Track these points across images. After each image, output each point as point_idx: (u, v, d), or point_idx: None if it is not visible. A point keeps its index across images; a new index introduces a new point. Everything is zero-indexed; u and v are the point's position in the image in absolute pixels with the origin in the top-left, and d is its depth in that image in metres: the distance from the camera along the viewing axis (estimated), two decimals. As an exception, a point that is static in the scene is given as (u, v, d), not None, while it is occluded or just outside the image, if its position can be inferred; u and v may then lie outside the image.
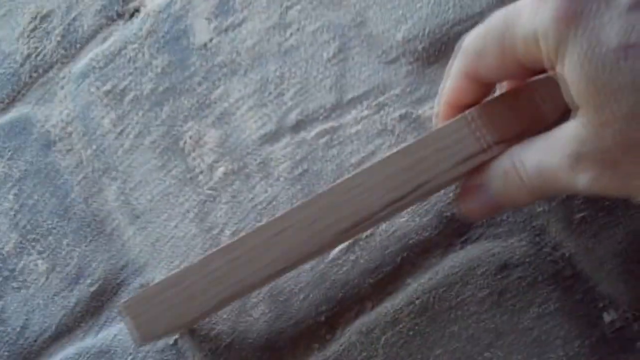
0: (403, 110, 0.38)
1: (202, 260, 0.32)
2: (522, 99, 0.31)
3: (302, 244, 0.31)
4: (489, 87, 0.33)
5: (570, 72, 0.25)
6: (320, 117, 0.39)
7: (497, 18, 0.29)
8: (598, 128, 0.25)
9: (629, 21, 0.23)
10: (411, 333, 0.36)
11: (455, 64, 0.32)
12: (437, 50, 0.38)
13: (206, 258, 0.32)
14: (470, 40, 0.30)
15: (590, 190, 0.27)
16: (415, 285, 0.37)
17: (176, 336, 0.38)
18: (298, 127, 0.40)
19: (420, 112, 0.38)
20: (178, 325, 0.32)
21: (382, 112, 0.39)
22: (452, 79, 0.32)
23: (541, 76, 0.30)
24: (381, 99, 0.39)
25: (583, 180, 0.27)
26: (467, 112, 0.31)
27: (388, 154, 0.31)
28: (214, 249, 0.32)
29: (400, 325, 0.37)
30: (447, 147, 0.31)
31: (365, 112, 0.39)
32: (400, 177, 0.31)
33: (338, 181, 0.32)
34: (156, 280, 0.38)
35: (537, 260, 0.36)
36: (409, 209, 0.37)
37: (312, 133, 0.39)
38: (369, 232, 0.38)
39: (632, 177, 0.26)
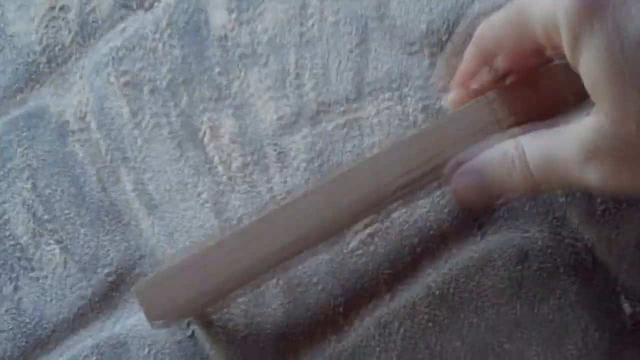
0: (425, 102, 0.40)
1: (218, 243, 0.33)
2: (543, 83, 0.32)
3: (318, 224, 0.32)
4: (504, 74, 0.33)
5: (589, 64, 0.25)
6: (341, 108, 0.41)
7: (514, 4, 0.29)
8: (619, 121, 0.25)
9: None
10: (429, 324, 0.38)
11: (472, 49, 0.33)
12: (460, 41, 0.40)
13: (221, 240, 0.33)
14: (488, 26, 0.31)
15: (601, 186, 0.27)
16: (434, 276, 0.38)
17: (193, 327, 0.40)
18: (318, 117, 0.41)
19: (442, 103, 0.40)
20: (192, 307, 0.33)
21: (403, 104, 0.40)
22: (467, 64, 0.33)
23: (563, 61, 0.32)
24: (403, 90, 0.40)
25: (596, 175, 0.27)
26: (487, 94, 0.33)
27: (407, 134, 0.33)
28: (229, 231, 0.34)
29: (419, 316, 0.38)
30: (466, 128, 0.32)
31: (387, 104, 0.40)
32: (418, 157, 0.32)
33: (355, 161, 0.33)
34: (171, 262, 0.40)
35: (557, 251, 0.38)
36: (427, 199, 0.39)
37: (332, 124, 0.41)
38: (387, 222, 0.39)
39: None
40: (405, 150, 0.33)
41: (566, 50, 0.27)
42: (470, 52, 0.33)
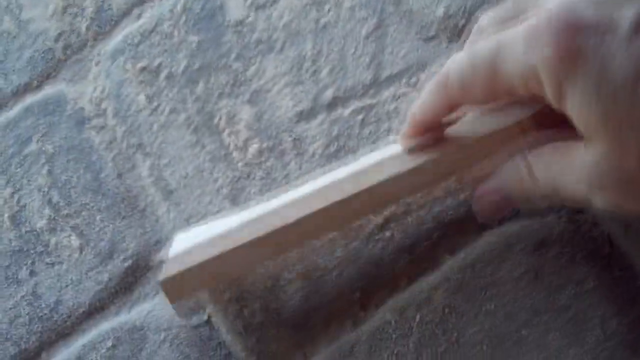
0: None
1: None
2: None
3: (325, 199, 0.34)
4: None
5: (578, 108, 0.25)
6: (357, 95, 0.41)
7: (483, 52, 0.29)
8: (620, 157, 0.25)
9: (635, 48, 0.23)
10: (446, 310, 0.38)
11: (436, 92, 0.32)
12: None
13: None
14: (455, 75, 0.30)
15: (609, 209, 0.28)
16: (451, 263, 0.38)
17: (209, 312, 0.40)
18: (334, 104, 0.41)
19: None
20: (205, 275, 0.34)
21: (419, 90, 0.40)
22: (429, 104, 0.33)
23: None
24: (419, 76, 0.40)
25: (601, 200, 0.27)
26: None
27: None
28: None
29: (436, 303, 0.38)
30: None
31: (403, 90, 0.40)
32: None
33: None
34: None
35: (575, 237, 0.37)
36: (444, 185, 0.39)
37: (348, 110, 0.41)
38: (404, 209, 0.39)
39: None
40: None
41: (551, 99, 0.27)
42: (432, 93, 0.33)
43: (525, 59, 0.26)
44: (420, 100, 0.33)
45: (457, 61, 0.30)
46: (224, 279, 0.38)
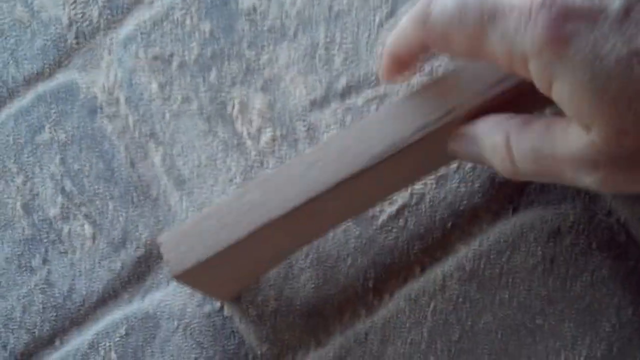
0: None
1: (236, 193, 0.33)
2: None
3: (335, 172, 0.32)
4: None
5: (568, 89, 0.25)
6: (370, 83, 0.41)
7: (475, 5, 0.27)
8: (614, 138, 0.25)
9: (627, 29, 0.23)
10: (460, 299, 0.38)
11: (413, 28, 0.31)
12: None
13: (240, 190, 0.33)
14: (438, 18, 0.29)
15: (597, 188, 0.27)
16: (465, 251, 0.38)
17: (221, 300, 0.41)
18: (347, 92, 0.41)
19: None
20: (210, 257, 0.32)
21: (434, 77, 0.40)
22: (404, 40, 0.32)
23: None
24: (433, 63, 0.40)
25: (591, 180, 0.27)
26: None
27: (420, 86, 0.33)
28: (248, 182, 0.33)
29: (449, 291, 0.38)
30: (479, 72, 0.32)
31: (417, 78, 0.40)
32: (432, 102, 0.32)
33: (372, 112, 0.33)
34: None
35: (590, 226, 0.37)
36: (458, 174, 0.39)
37: (362, 99, 0.41)
38: (418, 197, 0.39)
39: None
40: (419, 97, 0.33)
41: (536, 79, 0.26)
42: (409, 27, 0.31)
43: (515, 38, 0.26)
44: (395, 33, 0.32)
45: (442, 2, 0.29)
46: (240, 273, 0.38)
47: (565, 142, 0.27)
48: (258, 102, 0.42)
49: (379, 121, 0.33)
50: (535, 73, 0.26)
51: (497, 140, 0.30)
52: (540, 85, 0.27)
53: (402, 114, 0.33)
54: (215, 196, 0.41)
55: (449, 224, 0.39)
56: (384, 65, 0.34)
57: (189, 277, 0.34)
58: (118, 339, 0.40)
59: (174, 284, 0.40)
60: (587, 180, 0.27)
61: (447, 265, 0.38)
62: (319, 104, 0.41)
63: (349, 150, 0.33)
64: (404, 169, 0.35)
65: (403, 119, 0.33)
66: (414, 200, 0.39)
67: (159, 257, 0.41)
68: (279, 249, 0.38)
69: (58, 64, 0.45)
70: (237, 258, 0.35)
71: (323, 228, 0.38)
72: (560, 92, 0.26)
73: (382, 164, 0.33)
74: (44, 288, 0.42)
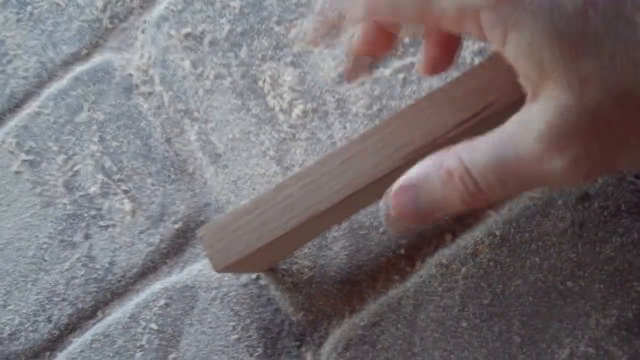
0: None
1: (275, 188, 0.34)
2: None
3: (373, 168, 0.33)
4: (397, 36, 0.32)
5: (527, 43, 0.24)
6: (398, 54, 0.43)
7: None
8: (581, 92, 0.24)
9: None
10: (491, 264, 0.39)
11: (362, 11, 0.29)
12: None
13: (279, 185, 0.34)
14: None
15: (569, 173, 0.25)
16: (495, 217, 0.40)
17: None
18: (375, 64, 0.43)
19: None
20: (251, 252, 0.34)
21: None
22: (362, 31, 0.32)
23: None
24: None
25: (563, 163, 0.25)
26: None
27: (458, 76, 0.34)
28: (287, 177, 0.35)
29: (480, 257, 0.40)
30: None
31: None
32: (469, 97, 0.33)
33: (408, 104, 0.34)
34: (231, 209, 0.42)
35: (618, 189, 0.38)
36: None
37: (389, 69, 0.43)
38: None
39: (623, 140, 0.24)
40: (457, 90, 0.33)
41: (490, 33, 0.25)
42: (359, 13, 0.30)
43: None
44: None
45: None
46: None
47: (522, 128, 0.26)
48: (288, 76, 0.44)
49: (415, 116, 0.33)
50: (489, 26, 0.25)
51: (451, 166, 0.27)
52: (493, 39, 0.25)
53: (438, 109, 0.33)
54: (249, 169, 0.43)
55: (479, 191, 0.40)
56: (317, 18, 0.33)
57: (231, 269, 0.35)
58: (158, 309, 0.43)
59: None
60: (558, 165, 0.25)
61: (477, 232, 0.40)
62: (348, 76, 0.43)
63: (385, 148, 0.33)
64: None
65: (440, 114, 0.33)
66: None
67: (197, 229, 0.43)
68: (314, 234, 0.40)
69: (94, 45, 0.48)
70: (276, 249, 0.36)
71: (355, 211, 0.40)
72: (517, 43, 0.25)
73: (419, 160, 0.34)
74: (85, 262, 0.44)
